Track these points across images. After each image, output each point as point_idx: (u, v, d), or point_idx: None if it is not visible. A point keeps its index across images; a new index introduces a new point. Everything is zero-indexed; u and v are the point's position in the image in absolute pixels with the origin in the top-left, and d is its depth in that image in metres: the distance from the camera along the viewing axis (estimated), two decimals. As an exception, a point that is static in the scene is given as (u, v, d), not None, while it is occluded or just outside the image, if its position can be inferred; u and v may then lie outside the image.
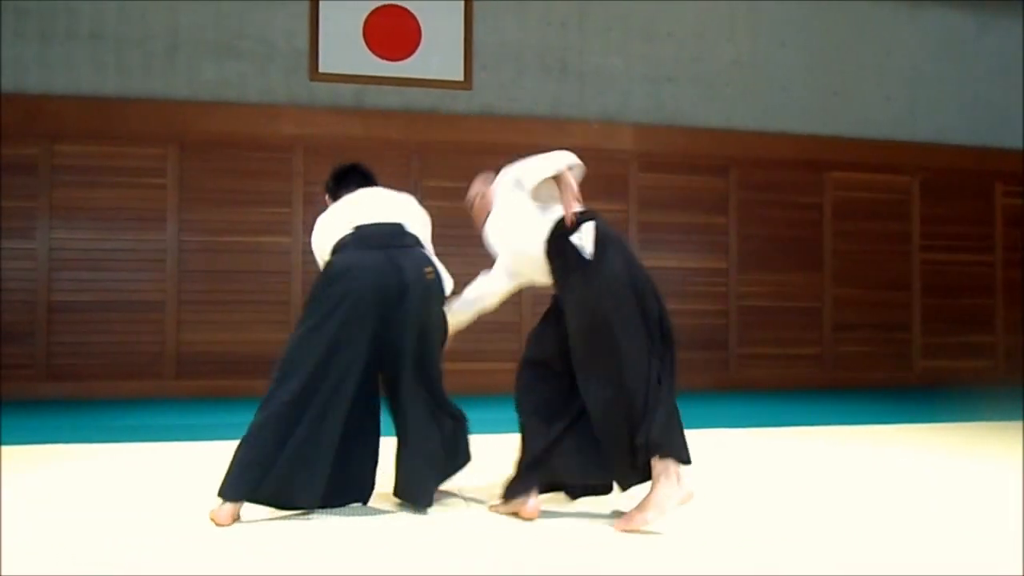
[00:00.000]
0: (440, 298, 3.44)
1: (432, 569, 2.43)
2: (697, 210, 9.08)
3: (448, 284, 3.56)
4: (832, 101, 9.57)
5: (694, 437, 5.13)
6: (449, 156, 8.56)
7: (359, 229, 3.34)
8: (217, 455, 3.81)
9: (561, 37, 9.02)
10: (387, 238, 3.34)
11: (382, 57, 8.61)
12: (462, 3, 8.77)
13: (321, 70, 8.48)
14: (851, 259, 9.43)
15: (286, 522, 3.00)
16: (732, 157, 9.19)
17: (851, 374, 9.27)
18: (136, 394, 7.65)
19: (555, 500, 3.25)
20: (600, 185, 8.90)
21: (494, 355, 8.54)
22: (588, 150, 8.82)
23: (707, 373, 8.95)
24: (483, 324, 8.39)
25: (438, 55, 8.73)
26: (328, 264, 3.32)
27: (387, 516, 3.13)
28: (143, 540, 2.73)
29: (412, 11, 8.68)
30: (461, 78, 8.79)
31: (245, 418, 3.11)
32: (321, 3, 8.46)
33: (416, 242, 3.43)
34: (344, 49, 8.53)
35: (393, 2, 8.64)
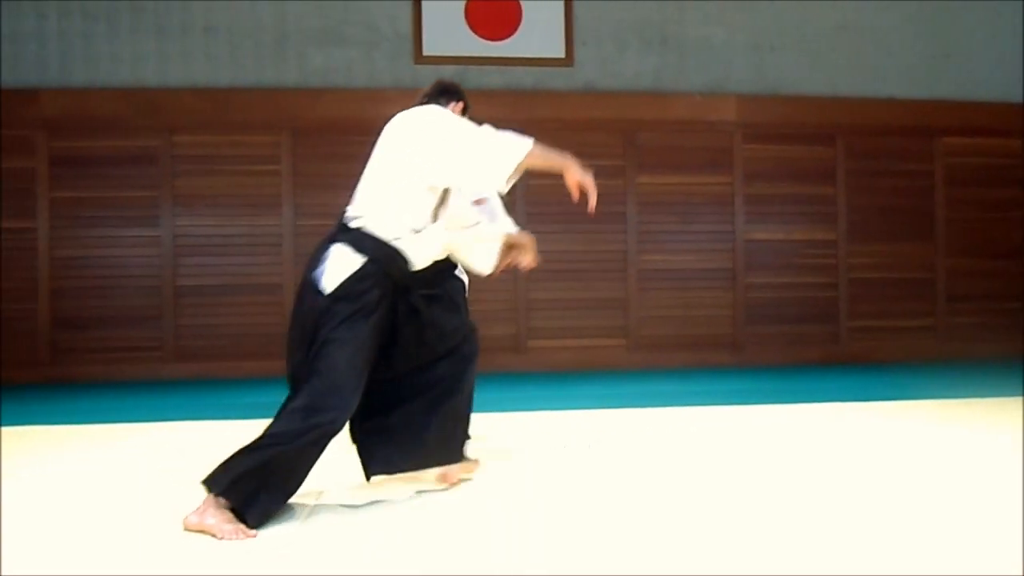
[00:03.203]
0: (311, 291, 2.99)
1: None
2: (804, 181, 8.94)
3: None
4: (941, 64, 9.28)
5: (806, 411, 5.15)
6: (552, 134, 8.51)
7: None
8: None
9: (661, 9, 8.96)
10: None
11: (484, 37, 8.70)
12: (562, -20, 8.79)
13: (425, 53, 8.61)
14: (964, 228, 9.16)
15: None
16: (838, 125, 9.01)
17: (965, 346, 9.04)
18: (257, 373, 7.97)
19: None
20: (704, 157, 8.87)
21: (600, 331, 8.62)
22: (691, 122, 8.89)
23: (817, 346, 8.85)
24: (587, 300, 8.56)
25: (539, 33, 8.78)
26: None
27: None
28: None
29: (512, -10, 8.75)
30: (562, 55, 8.82)
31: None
32: (424, -13, 8.60)
33: (335, 237, 3.03)
34: (447, 31, 8.64)
35: (494, -18, 8.71)
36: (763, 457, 3.88)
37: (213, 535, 2.71)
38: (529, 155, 3.07)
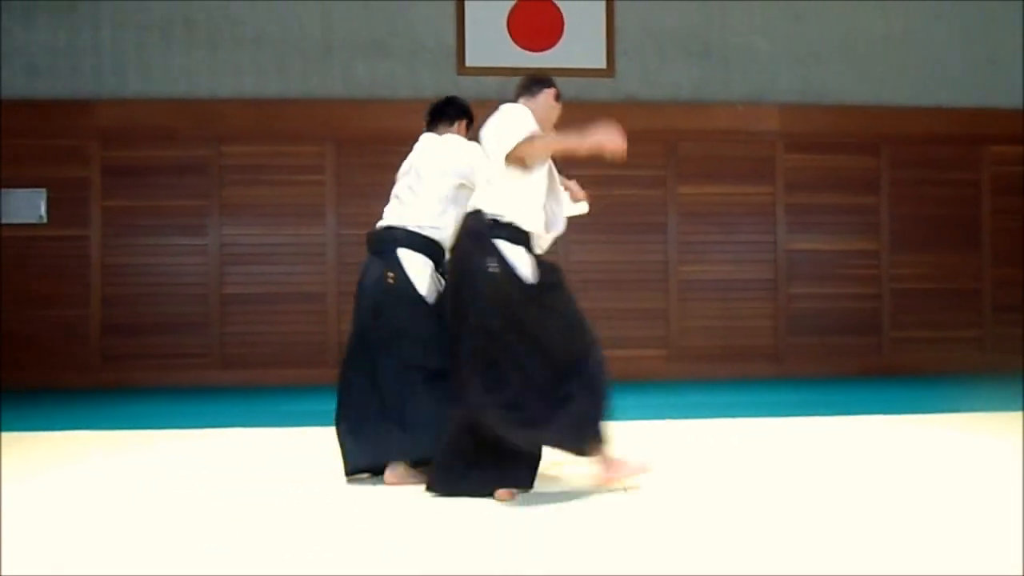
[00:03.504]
0: (409, 298, 3.59)
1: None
2: (847, 190, 8.89)
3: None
4: (987, 72, 9.16)
5: (849, 423, 5.13)
6: (593, 144, 8.64)
7: (368, 235, 3.79)
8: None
9: (703, 19, 8.97)
10: (375, 244, 3.74)
11: (526, 48, 8.77)
12: (603, -10, 8.84)
13: (468, 64, 8.71)
14: (1011, 237, 9.04)
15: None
16: (883, 134, 8.95)
17: (1013, 357, 8.91)
18: (302, 381, 8.09)
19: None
20: (746, 167, 8.86)
21: (640, 342, 8.62)
22: (733, 132, 8.88)
23: (860, 358, 8.79)
24: (628, 311, 8.57)
25: (580, 44, 8.83)
26: None
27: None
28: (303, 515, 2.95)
29: (554, 2, 8.80)
30: (604, 66, 8.87)
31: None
32: (467, -1, 8.70)
33: (399, 243, 3.64)
34: (489, 43, 8.73)
35: (536, -7, 8.79)
36: (804, 469, 3.88)
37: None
38: (528, 144, 3.36)
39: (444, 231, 3.63)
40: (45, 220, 8.23)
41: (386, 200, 3.86)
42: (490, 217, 3.37)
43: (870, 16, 9.09)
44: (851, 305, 8.83)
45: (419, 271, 3.61)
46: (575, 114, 8.71)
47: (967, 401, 6.26)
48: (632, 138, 8.87)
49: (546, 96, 3.79)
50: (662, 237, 8.75)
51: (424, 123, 3.93)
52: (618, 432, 3.96)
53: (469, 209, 3.46)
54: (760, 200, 8.83)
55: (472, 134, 3.82)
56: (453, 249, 3.51)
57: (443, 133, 3.84)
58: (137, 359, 8.22)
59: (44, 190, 8.22)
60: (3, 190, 8.17)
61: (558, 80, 9.17)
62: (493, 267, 3.29)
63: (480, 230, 3.35)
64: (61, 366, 8.12)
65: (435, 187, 3.66)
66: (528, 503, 3.19)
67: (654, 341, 8.67)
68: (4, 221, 8.18)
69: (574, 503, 3.21)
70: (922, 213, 8.93)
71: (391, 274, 3.57)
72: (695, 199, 8.78)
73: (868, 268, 8.89)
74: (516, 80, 8.92)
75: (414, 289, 3.58)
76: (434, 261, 3.65)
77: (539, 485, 3.37)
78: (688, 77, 8.93)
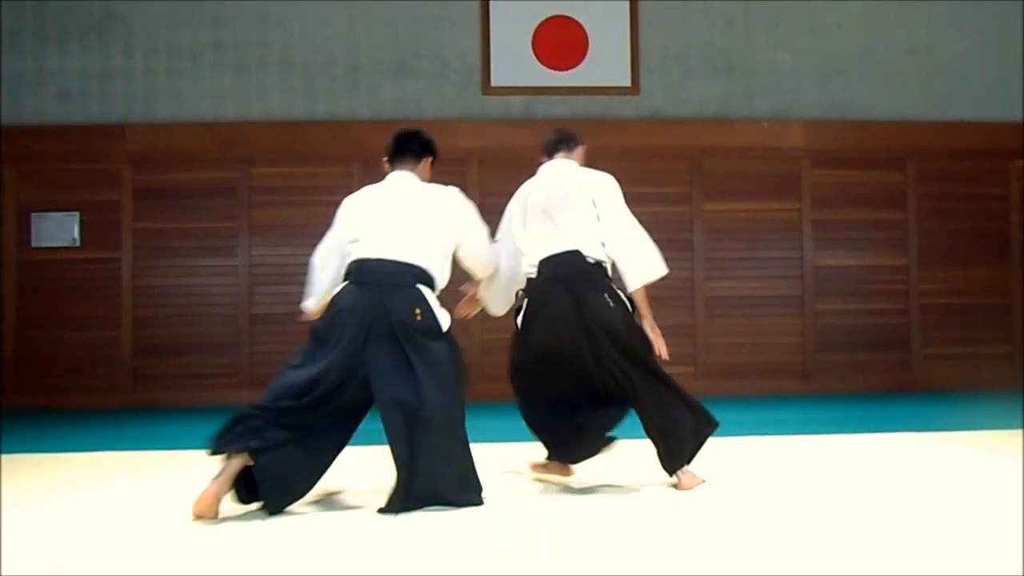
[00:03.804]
0: (435, 335, 3.54)
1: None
2: (873, 206, 8.86)
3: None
4: (1013, 85, 9.09)
5: (878, 441, 5.10)
6: (618, 162, 8.61)
7: (360, 264, 3.56)
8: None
9: (727, 36, 9.00)
10: (383, 276, 3.52)
11: (551, 67, 8.82)
12: (627, 8, 8.88)
13: (493, 84, 8.78)
14: (1041, 251, 8.97)
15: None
16: (908, 149, 8.92)
17: (1045, 373, 8.83)
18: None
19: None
20: (771, 184, 8.86)
21: (667, 359, 8.59)
22: (758, 149, 8.89)
23: (888, 374, 8.73)
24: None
25: (605, 62, 8.88)
26: (332, 300, 3.60)
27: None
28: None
29: (579, 20, 8.86)
30: (628, 83, 8.90)
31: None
32: (492, 19, 8.75)
33: (416, 279, 3.56)
34: (514, 62, 8.79)
35: (560, 12, 8.84)
36: (833, 487, 3.87)
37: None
38: None
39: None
40: (78, 243, 8.36)
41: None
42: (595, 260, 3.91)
43: (893, 30, 9.08)
44: (879, 321, 8.79)
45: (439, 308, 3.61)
46: (601, 130, 8.87)
47: (998, 418, 6.20)
48: (657, 155, 9.07)
49: (581, 152, 4.30)
50: (688, 254, 8.75)
51: (392, 154, 3.84)
52: (647, 450, 3.99)
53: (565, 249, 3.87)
54: (786, 216, 8.82)
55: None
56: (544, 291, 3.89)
57: (411, 170, 3.81)
58: (168, 379, 8.31)
59: (77, 213, 8.37)
60: (37, 214, 8.33)
61: (584, 98, 9.29)
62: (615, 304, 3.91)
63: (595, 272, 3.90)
64: (93, 387, 8.22)
65: (443, 242, 3.73)
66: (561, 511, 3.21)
67: (681, 358, 8.60)
68: (38, 244, 8.32)
69: (595, 514, 3.23)
70: (949, 228, 8.88)
71: (418, 310, 3.50)
72: (721, 216, 8.78)
73: (896, 284, 8.84)
74: (541, 99, 9.02)
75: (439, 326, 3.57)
76: None
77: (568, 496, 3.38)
78: (712, 94, 8.95)
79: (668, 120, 8.86)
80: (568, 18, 8.84)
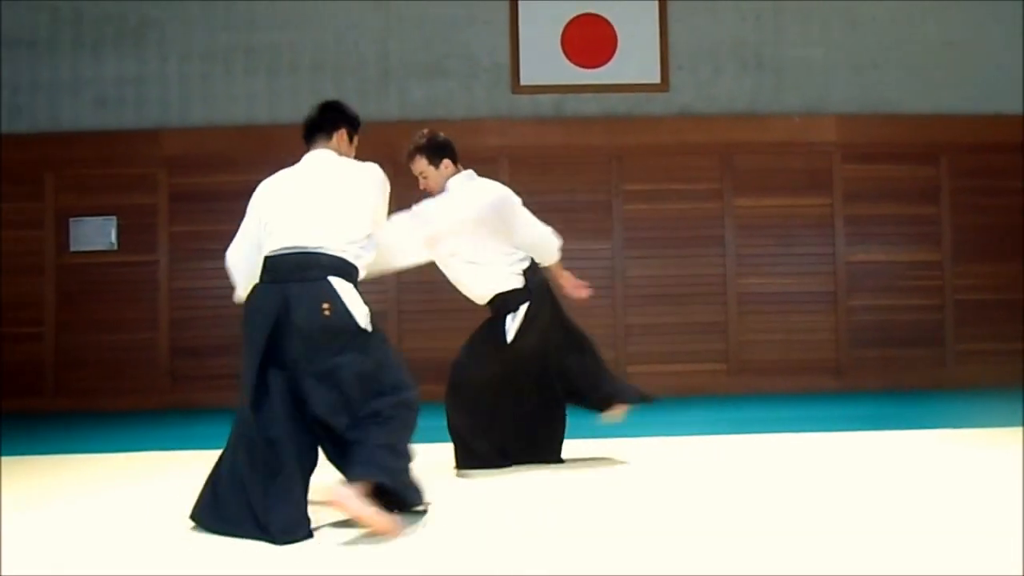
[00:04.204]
0: (348, 335, 3.12)
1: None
2: (906, 201, 8.79)
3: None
4: (1052, 76, 8.99)
5: (913, 438, 5.07)
6: (649, 159, 8.70)
7: (268, 260, 3.24)
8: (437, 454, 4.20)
9: (756, 31, 8.95)
10: (289, 271, 3.17)
11: (580, 65, 8.83)
12: (656, 5, 8.87)
13: (522, 82, 8.80)
14: (1079, 245, 8.84)
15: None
16: (942, 143, 8.82)
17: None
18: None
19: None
20: (803, 179, 8.81)
21: (699, 356, 8.61)
22: (789, 144, 8.84)
23: (922, 371, 8.64)
24: (686, 325, 8.56)
25: (634, 59, 8.87)
26: (247, 299, 3.32)
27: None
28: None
29: (607, 17, 8.86)
30: (658, 80, 8.89)
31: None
32: (521, 18, 8.78)
33: (327, 271, 3.17)
34: (543, 60, 8.81)
35: (589, 11, 8.85)
36: (868, 485, 3.86)
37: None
38: None
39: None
40: (115, 247, 8.50)
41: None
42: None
43: (927, 22, 8.99)
44: (913, 317, 8.71)
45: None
46: (631, 127, 8.84)
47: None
48: (687, 151, 9.07)
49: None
50: (720, 250, 8.73)
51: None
52: (680, 448, 4.02)
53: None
54: (818, 212, 8.77)
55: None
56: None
57: (326, 146, 3.58)
58: (205, 380, 8.41)
59: (114, 217, 8.50)
60: (75, 218, 8.48)
61: (614, 96, 9.26)
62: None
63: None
64: (131, 388, 8.35)
65: (361, 224, 3.40)
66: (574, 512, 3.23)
67: (713, 355, 8.65)
68: (76, 248, 8.48)
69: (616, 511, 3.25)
70: (984, 223, 8.77)
71: (326, 305, 3.12)
72: (752, 211, 8.75)
73: (930, 279, 8.76)
74: (571, 98, 9.04)
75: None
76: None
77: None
78: (743, 89, 8.92)
79: (698, 116, 8.84)
80: (597, 16, 8.85)
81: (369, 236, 3.37)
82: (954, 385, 8.54)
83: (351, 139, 3.66)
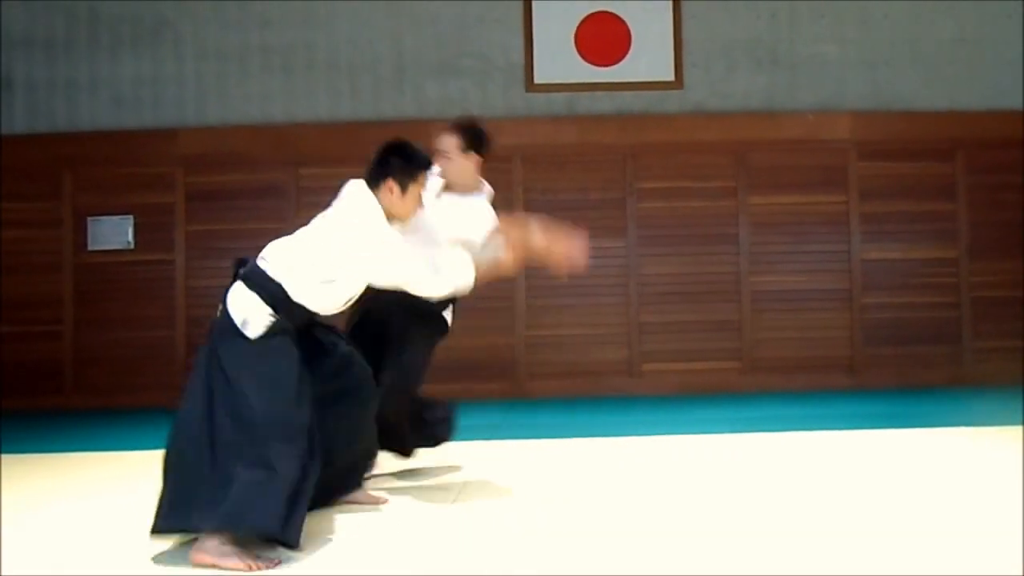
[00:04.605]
0: (229, 334, 3.18)
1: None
2: (922, 198, 8.74)
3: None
4: (1067, 72, 8.94)
5: (929, 436, 5.07)
6: (663, 157, 8.70)
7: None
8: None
9: (771, 28, 8.93)
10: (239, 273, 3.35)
11: (594, 63, 8.83)
12: (670, 3, 8.85)
13: (536, 81, 8.81)
14: (1096, 241, 8.78)
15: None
16: (958, 140, 8.78)
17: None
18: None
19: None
20: (817, 176, 8.78)
21: (713, 354, 8.60)
22: (804, 141, 8.83)
23: (940, 369, 8.59)
24: (700, 323, 8.56)
25: (648, 56, 8.86)
26: None
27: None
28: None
29: (621, 15, 8.86)
30: (672, 78, 8.88)
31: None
32: (534, 17, 8.78)
33: (249, 279, 3.27)
34: (557, 59, 8.82)
35: (602, 9, 8.85)
36: (883, 484, 3.86)
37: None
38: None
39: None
40: (132, 245, 8.56)
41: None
42: None
43: (940, 18, 8.94)
44: (929, 315, 8.67)
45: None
46: (645, 125, 8.83)
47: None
48: (701, 149, 9.07)
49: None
50: (734, 248, 8.72)
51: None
52: (695, 446, 4.01)
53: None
54: (833, 209, 8.75)
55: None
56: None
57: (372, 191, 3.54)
58: (221, 378, 8.44)
59: (131, 216, 8.56)
60: (93, 217, 8.54)
61: (628, 94, 9.27)
62: None
63: None
64: (148, 386, 8.39)
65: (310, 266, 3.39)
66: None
67: (727, 353, 8.64)
68: (94, 247, 8.54)
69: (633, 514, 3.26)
70: (1001, 219, 8.71)
71: (220, 307, 3.32)
72: (766, 209, 8.73)
73: (946, 276, 8.71)
74: (585, 96, 9.06)
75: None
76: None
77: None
78: (757, 87, 8.90)
79: (712, 114, 8.82)
80: (611, 14, 8.84)
81: (326, 279, 3.29)
82: (971, 383, 8.49)
83: (403, 189, 3.46)
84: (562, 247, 3.59)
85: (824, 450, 4.85)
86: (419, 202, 3.53)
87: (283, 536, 2.84)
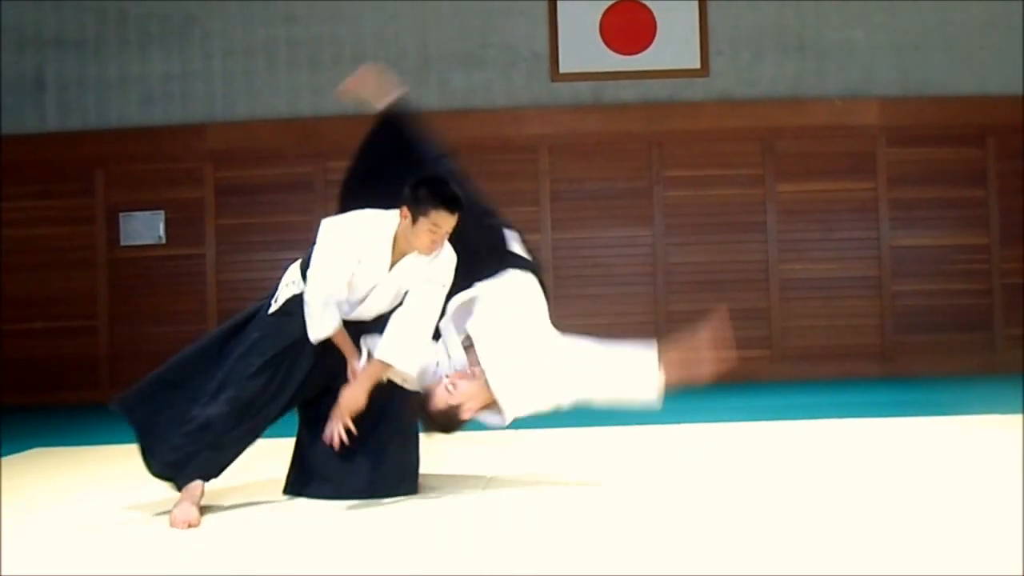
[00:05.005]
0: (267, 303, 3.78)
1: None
2: (952, 183, 8.66)
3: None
4: (1097, 54, 8.80)
5: (962, 423, 5.03)
6: (689, 145, 8.68)
7: None
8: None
9: (797, 14, 8.86)
10: None
11: (619, 52, 8.82)
12: (695, -10, 8.83)
13: (561, 70, 8.81)
14: None
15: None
16: (988, 125, 8.68)
17: None
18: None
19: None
20: (846, 163, 8.73)
21: (742, 342, 8.52)
22: (832, 128, 8.77)
23: (971, 356, 8.52)
24: (730, 311, 8.42)
25: (673, 44, 8.83)
26: None
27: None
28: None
29: (646, 4, 8.83)
30: (697, 65, 8.84)
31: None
32: (559, 6, 8.78)
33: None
34: (582, 48, 8.81)
35: (627, -3, 8.84)
36: (917, 472, 3.84)
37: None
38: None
39: None
40: (163, 240, 8.67)
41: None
42: None
43: (971, 3, 8.83)
44: (961, 301, 8.60)
45: None
46: (671, 113, 8.80)
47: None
48: (728, 137, 9.03)
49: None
50: (762, 236, 8.69)
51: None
52: (724, 435, 3.98)
53: None
54: (862, 196, 8.69)
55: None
56: None
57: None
58: (251, 371, 8.53)
59: (162, 212, 8.67)
60: (125, 213, 8.66)
61: (653, 82, 9.23)
62: None
63: None
64: (182, 379, 8.49)
65: None
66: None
67: (756, 341, 8.60)
68: (126, 243, 8.66)
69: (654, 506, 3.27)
70: (1033, 204, 8.63)
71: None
72: (795, 197, 8.69)
73: (977, 263, 8.63)
74: (610, 85, 9.03)
75: None
76: None
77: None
78: (784, 73, 8.85)
79: (739, 101, 8.78)
80: (636, 2, 8.82)
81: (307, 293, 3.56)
82: (1004, 370, 8.40)
83: (413, 220, 3.37)
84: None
85: (854, 439, 4.83)
86: (431, 239, 3.39)
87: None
